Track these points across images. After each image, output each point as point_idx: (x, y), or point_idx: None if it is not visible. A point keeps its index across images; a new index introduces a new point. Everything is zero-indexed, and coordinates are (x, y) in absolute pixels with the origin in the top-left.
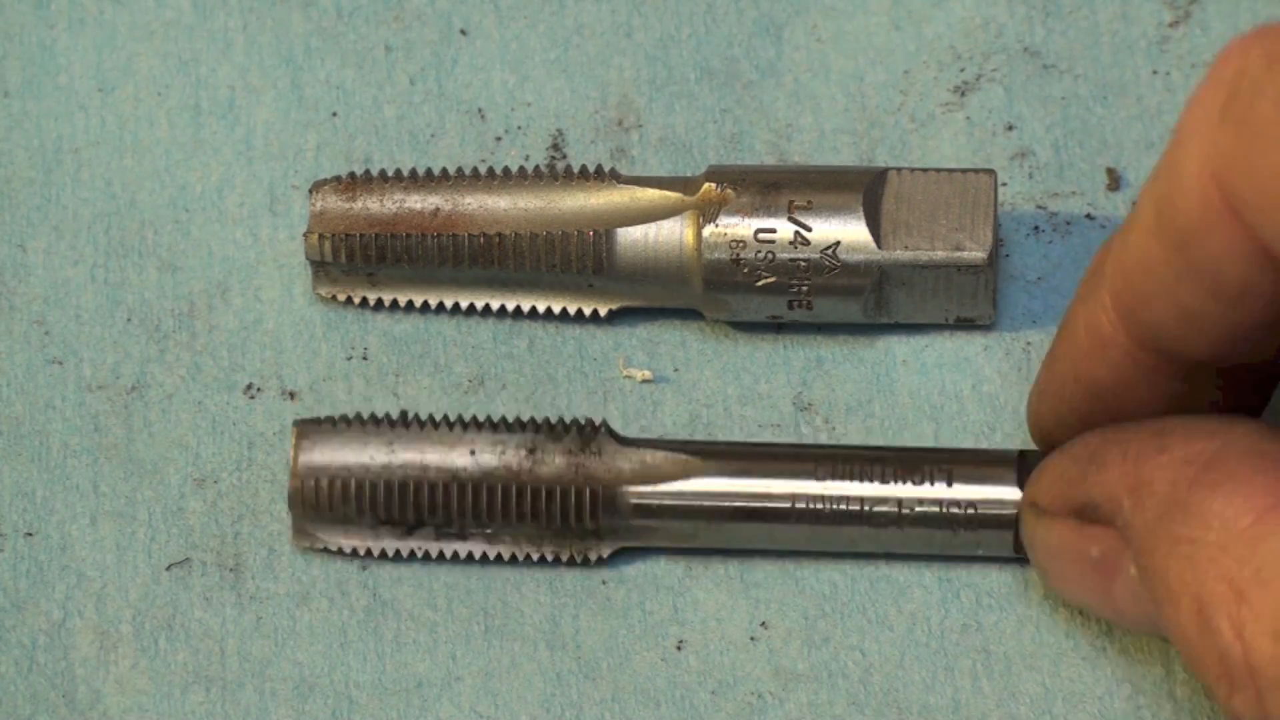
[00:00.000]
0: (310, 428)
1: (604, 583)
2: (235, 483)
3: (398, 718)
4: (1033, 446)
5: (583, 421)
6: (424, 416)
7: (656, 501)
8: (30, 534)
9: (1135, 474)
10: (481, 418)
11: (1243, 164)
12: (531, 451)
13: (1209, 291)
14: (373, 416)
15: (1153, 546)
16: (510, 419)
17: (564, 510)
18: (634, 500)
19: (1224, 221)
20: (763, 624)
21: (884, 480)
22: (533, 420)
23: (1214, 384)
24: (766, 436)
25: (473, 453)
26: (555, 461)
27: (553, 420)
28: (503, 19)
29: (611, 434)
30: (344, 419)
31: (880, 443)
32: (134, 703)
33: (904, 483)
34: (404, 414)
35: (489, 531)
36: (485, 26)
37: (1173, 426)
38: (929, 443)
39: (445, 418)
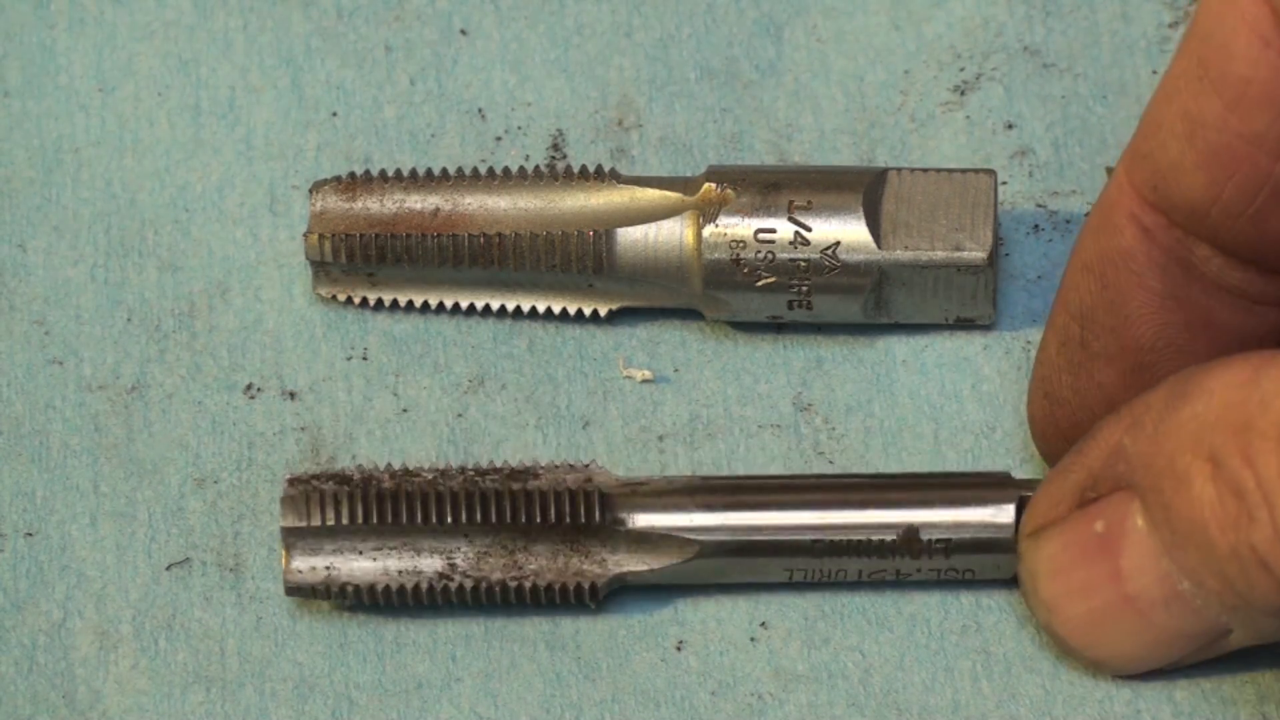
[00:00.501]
0: (297, 529)
1: None
2: (235, 483)
3: (398, 718)
4: (1030, 463)
5: (575, 490)
6: (413, 471)
7: (654, 579)
8: (30, 534)
9: (1129, 414)
10: (471, 487)
11: None
12: (525, 534)
13: (1215, 87)
14: (363, 496)
15: (1159, 447)
16: (502, 491)
17: (562, 597)
18: (631, 579)
19: None
20: (763, 624)
21: (882, 555)
22: (525, 496)
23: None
24: (766, 437)
25: (466, 535)
26: (549, 556)
27: (545, 489)
28: (503, 19)
29: (607, 508)
30: (334, 503)
31: (880, 446)
32: (134, 702)
33: (903, 557)
34: (395, 496)
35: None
36: (485, 26)
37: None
38: (928, 443)
39: (436, 494)
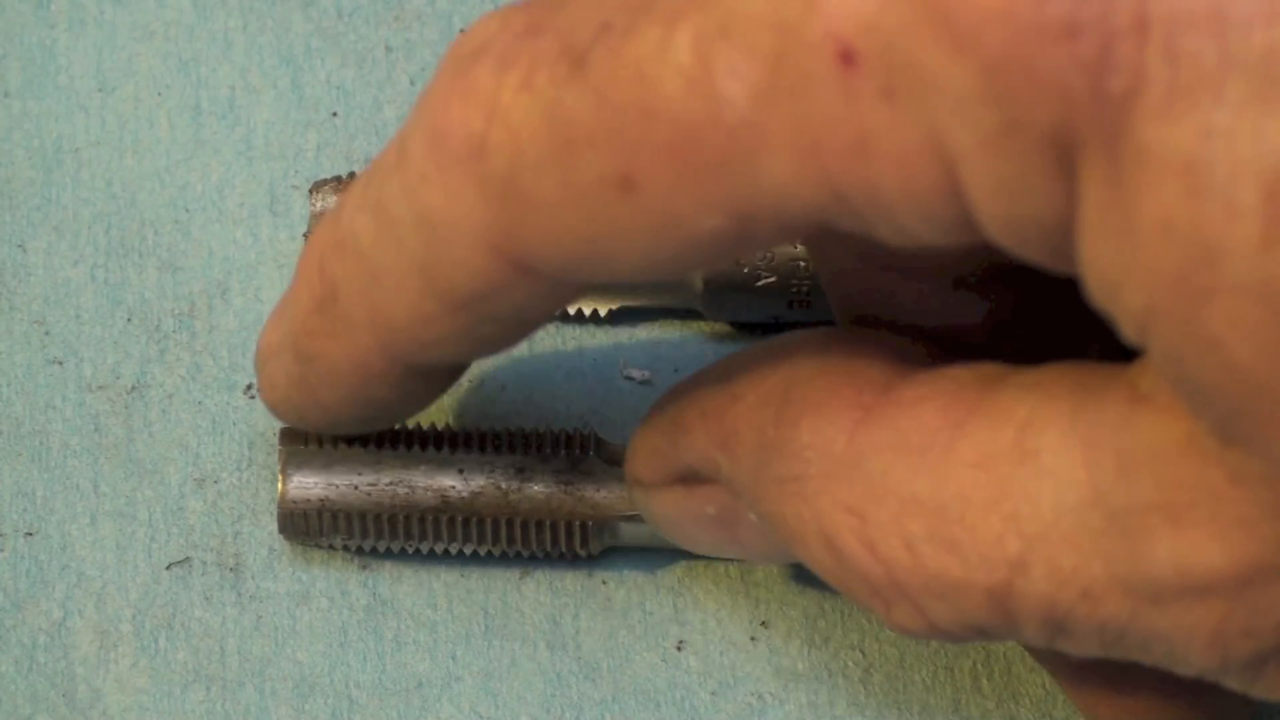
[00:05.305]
0: (296, 449)
1: (604, 583)
2: (235, 483)
3: (398, 718)
4: None
5: (571, 433)
6: (412, 427)
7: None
8: (30, 534)
9: (719, 430)
10: (470, 427)
11: (519, 232)
12: (520, 471)
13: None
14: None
15: (761, 494)
16: (499, 431)
17: (554, 533)
18: (623, 520)
19: (510, 279)
20: (763, 624)
21: None
22: (522, 434)
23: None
24: None
25: (461, 471)
26: (544, 484)
27: (541, 431)
28: None
29: (601, 451)
30: (331, 438)
31: None
32: (134, 701)
33: None
34: (394, 431)
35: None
36: None
37: (737, 368)
38: None
39: (434, 429)
